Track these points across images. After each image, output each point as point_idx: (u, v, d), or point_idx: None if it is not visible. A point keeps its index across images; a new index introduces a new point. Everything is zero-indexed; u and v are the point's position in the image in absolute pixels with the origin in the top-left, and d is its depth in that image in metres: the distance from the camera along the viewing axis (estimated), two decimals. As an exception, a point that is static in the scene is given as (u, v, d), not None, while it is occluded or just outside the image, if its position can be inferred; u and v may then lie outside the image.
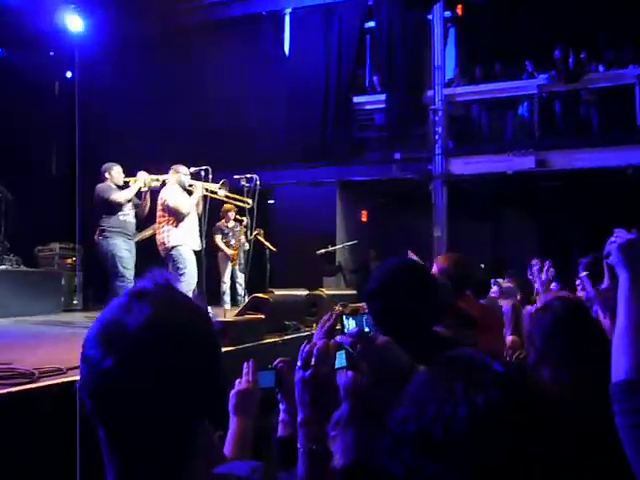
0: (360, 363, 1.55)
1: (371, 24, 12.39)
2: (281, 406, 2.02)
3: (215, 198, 7.50)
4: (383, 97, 12.25)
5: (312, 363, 1.50)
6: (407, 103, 11.81)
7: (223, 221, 9.94)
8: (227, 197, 7.74)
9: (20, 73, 12.03)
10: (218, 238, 9.94)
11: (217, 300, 9.33)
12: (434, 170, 11.80)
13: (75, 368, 3.58)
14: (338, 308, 6.35)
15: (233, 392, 2.01)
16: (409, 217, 12.62)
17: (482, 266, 8.23)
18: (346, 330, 1.89)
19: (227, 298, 9.52)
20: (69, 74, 13.33)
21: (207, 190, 7.25)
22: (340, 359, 1.58)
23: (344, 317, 2.01)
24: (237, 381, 2.05)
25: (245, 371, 2.07)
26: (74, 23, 11.03)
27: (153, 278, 1.07)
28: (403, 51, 11.79)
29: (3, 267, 8.89)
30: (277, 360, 2.06)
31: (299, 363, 1.52)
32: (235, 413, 1.99)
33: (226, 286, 9.68)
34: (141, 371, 0.96)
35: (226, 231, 9.90)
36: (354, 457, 1.57)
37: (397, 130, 11.84)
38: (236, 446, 1.92)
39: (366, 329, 1.95)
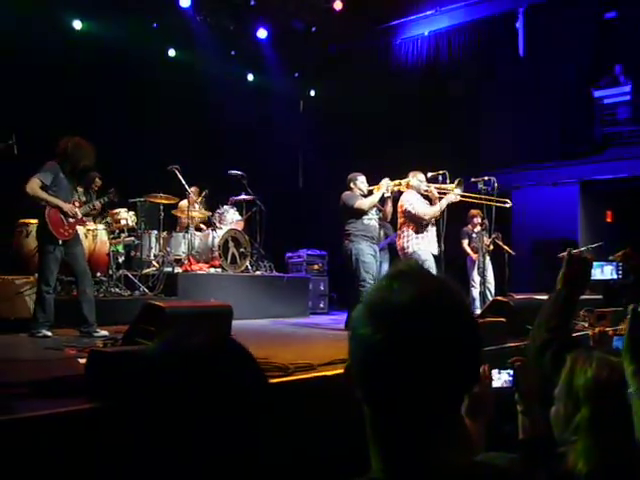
0: None
1: (612, 14, 11.54)
2: (518, 407, 1.97)
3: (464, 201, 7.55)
4: (628, 89, 11.38)
5: None
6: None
7: (470, 226, 9.94)
8: (466, 196, 7.67)
9: (269, 94, 13.07)
10: (465, 243, 9.97)
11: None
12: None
13: (325, 364, 3.85)
14: (582, 314, 6.08)
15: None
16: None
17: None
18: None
19: (477, 303, 9.01)
20: (312, 92, 14.21)
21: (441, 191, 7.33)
22: None
23: None
24: None
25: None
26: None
27: (406, 262, 1.14)
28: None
29: (258, 272, 9.72)
30: (513, 359, 2.03)
31: None
32: (466, 416, 1.90)
33: (476, 291, 9.44)
34: (409, 345, 1.00)
35: (473, 235, 9.88)
36: (598, 463, 1.52)
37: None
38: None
39: None
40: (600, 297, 8.23)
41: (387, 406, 1.05)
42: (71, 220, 6.02)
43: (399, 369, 1.01)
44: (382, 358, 1.02)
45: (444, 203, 7.19)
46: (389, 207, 7.51)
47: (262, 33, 11.83)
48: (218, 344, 1.05)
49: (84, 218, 6.44)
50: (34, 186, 5.88)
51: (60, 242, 5.89)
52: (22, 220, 7.63)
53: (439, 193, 7.36)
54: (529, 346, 2.23)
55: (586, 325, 5.90)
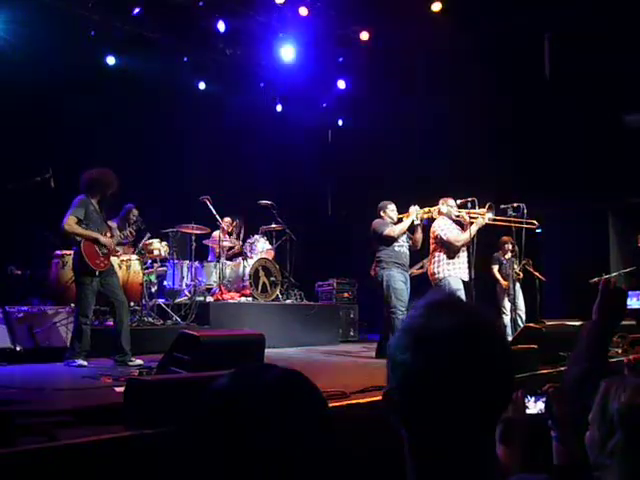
0: None
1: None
2: (552, 433, 1.96)
3: (494, 224, 7.54)
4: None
5: None
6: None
7: (501, 252, 9.90)
8: (496, 220, 7.64)
9: (296, 125, 13.19)
10: (495, 268, 9.92)
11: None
12: None
13: (358, 392, 3.87)
14: (616, 340, 6.02)
15: (499, 421, 1.95)
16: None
17: None
18: None
19: (509, 330, 8.86)
20: (340, 122, 14.31)
21: (473, 216, 7.33)
22: None
23: None
24: None
25: (513, 399, 1.97)
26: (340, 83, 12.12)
27: (442, 291, 1.19)
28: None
29: (289, 301, 9.77)
30: (547, 385, 2.04)
31: None
32: (501, 442, 1.91)
33: (507, 318, 9.38)
34: (447, 370, 1.04)
35: (504, 262, 9.84)
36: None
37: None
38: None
39: None
40: (633, 323, 8.14)
41: (425, 429, 1.08)
42: (105, 251, 6.15)
43: (436, 394, 1.05)
44: (420, 383, 1.06)
45: (474, 229, 7.20)
46: (419, 234, 7.55)
47: (287, 53, 11.81)
48: (290, 379, 1.07)
49: (116, 248, 6.57)
50: (71, 223, 6.02)
51: (97, 274, 6.02)
52: (58, 251, 7.79)
53: (470, 218, 7.36)
54: (567, 377, 2.24)
55: (620, 351, 5.84)
